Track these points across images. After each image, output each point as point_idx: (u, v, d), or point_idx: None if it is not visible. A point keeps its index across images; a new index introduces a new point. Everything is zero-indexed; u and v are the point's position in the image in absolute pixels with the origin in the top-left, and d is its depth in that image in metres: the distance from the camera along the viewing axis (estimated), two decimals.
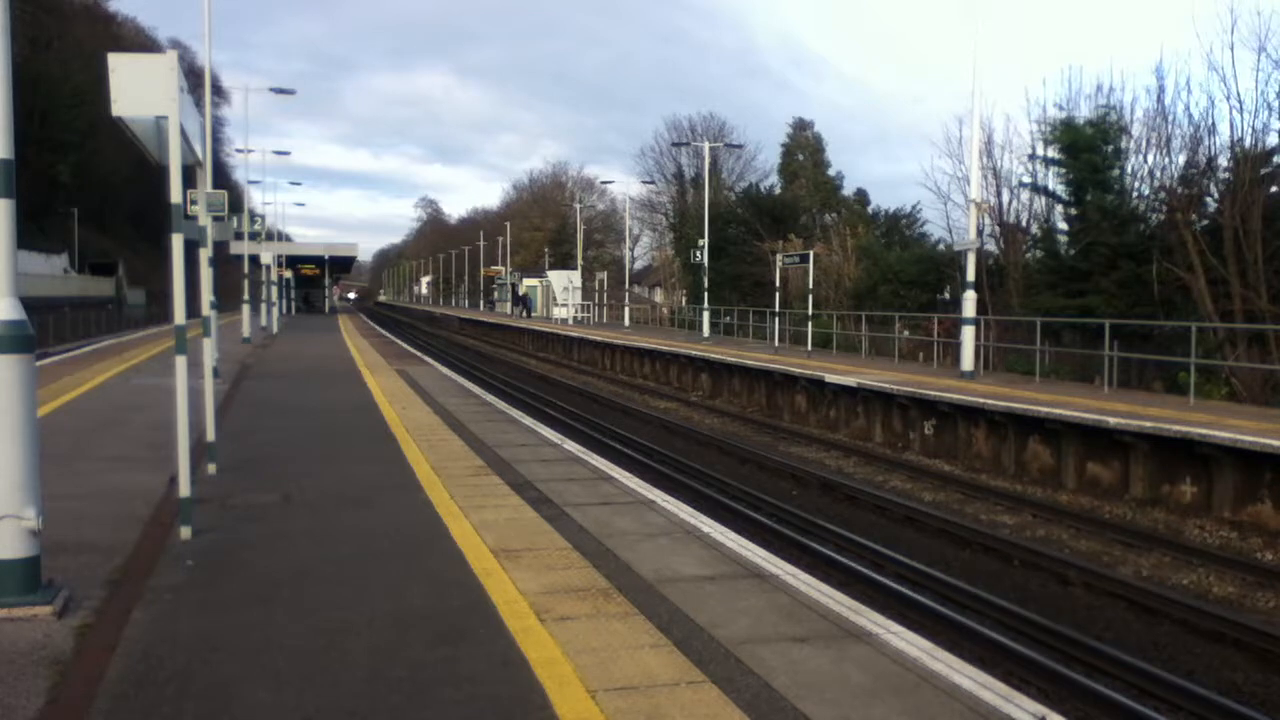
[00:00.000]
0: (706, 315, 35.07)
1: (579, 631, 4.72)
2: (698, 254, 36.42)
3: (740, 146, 60.89)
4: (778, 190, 55.16)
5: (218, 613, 4.96)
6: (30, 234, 49.68)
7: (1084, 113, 24.71)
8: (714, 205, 40.43)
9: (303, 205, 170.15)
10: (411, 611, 5.00)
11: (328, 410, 13.66)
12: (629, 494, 8.14)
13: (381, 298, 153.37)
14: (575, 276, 55.83)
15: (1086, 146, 23.84)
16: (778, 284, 29.48)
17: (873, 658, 4.47)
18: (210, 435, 8.71)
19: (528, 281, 61.01)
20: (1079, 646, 7.45)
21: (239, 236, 25.19)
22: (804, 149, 61.22)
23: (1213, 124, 22.20)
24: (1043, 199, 26.92)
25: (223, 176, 68.33)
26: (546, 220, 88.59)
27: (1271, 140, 20.87)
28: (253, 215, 32.94)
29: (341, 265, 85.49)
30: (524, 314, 57.84)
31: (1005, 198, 27.92)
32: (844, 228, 40.57)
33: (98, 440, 10.29)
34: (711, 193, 41.35)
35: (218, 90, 64.77)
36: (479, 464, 9.33)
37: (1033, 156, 26.63)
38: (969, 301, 18.84)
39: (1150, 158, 23.72)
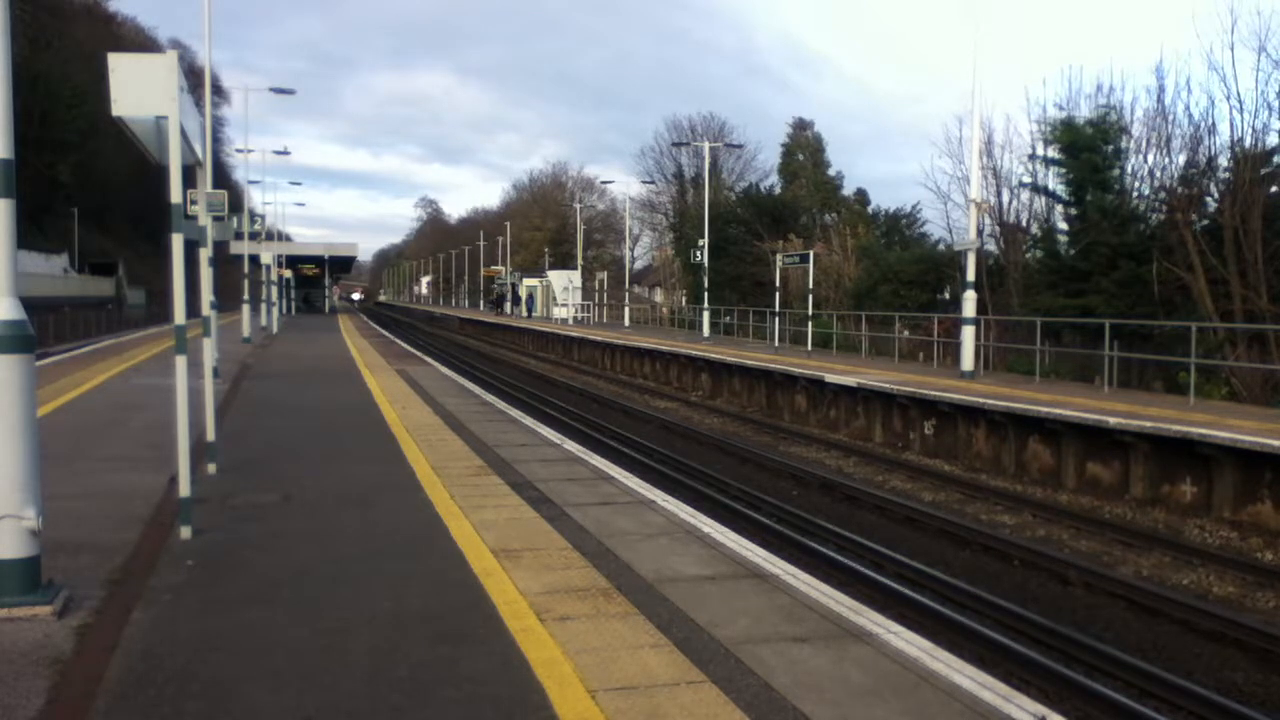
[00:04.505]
0: (706, 315, 35.07)
1: (579, 631, 4.72)
2: (698, 254, 36.43)
3: (740, 146, 60.96)
4: (778, 190, 55.21)
5: (218, 613, 4.96)
6: (30, 234, 49.71)
7: (1084, 113, 24.75)
8: (714, 205, 40.42)
9: (303, 205, 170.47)
10: (411, 611, 5.00)
11: (328, 410, 13.66)
12: (629, 494, 8.14)
13: (381, 298, 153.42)
14: (575, 276, 55.84)
15: (1086, 146, 23.85)
16: (778, 284, 29.48)
17: (873, 658, 4.47)
18: (210, 435, 8.71)
19: (528, 281, 60.99)
20: (1079, 646, 7.45)
21: (239, 236, 25.18)
22: (804, 149, 61.25)
23: (1213, 124, 22.30)
24: (1043, 199, 26.97)
25: (223, 176, 68.35)
26: (546, 220, 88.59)
27: (1271, 140, 20.91)
28: (253, 215, 32.94)
29: (341, 265, 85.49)
30: (526, 314, 57.80)
31: (1005, 198, 27.98)
32: (844, 228, 40.61)
33: (98, 440, 10.29)
34: (711, 193, 41.35)
35: (218, 90, 64.83)
36: (479, 464, 9.33)
37: (1033, 156, 26.68)
38: (969, 301, 18.83)
39: (1150, 158, 23.77)
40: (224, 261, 32.04)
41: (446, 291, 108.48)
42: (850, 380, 18.35)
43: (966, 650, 6.76)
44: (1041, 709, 4.00)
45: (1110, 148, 24.02)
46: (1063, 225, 26.24)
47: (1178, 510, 11.87)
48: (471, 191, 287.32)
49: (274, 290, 41.44)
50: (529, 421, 12.80)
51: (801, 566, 6.49)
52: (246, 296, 32.12)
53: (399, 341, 35.14)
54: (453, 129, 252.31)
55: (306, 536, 6.55)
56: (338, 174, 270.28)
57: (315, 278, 73.31)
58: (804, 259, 28.04)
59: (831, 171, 61.13)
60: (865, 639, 4.71)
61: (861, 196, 58.72)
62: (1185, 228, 20.75)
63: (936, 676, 4.25)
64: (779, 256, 30.44)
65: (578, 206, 68.27)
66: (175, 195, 6.28)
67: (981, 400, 15.00)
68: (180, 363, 6.37)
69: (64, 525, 6.19)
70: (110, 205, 73.46)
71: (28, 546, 4.80)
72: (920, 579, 9.22)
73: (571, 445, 10.85)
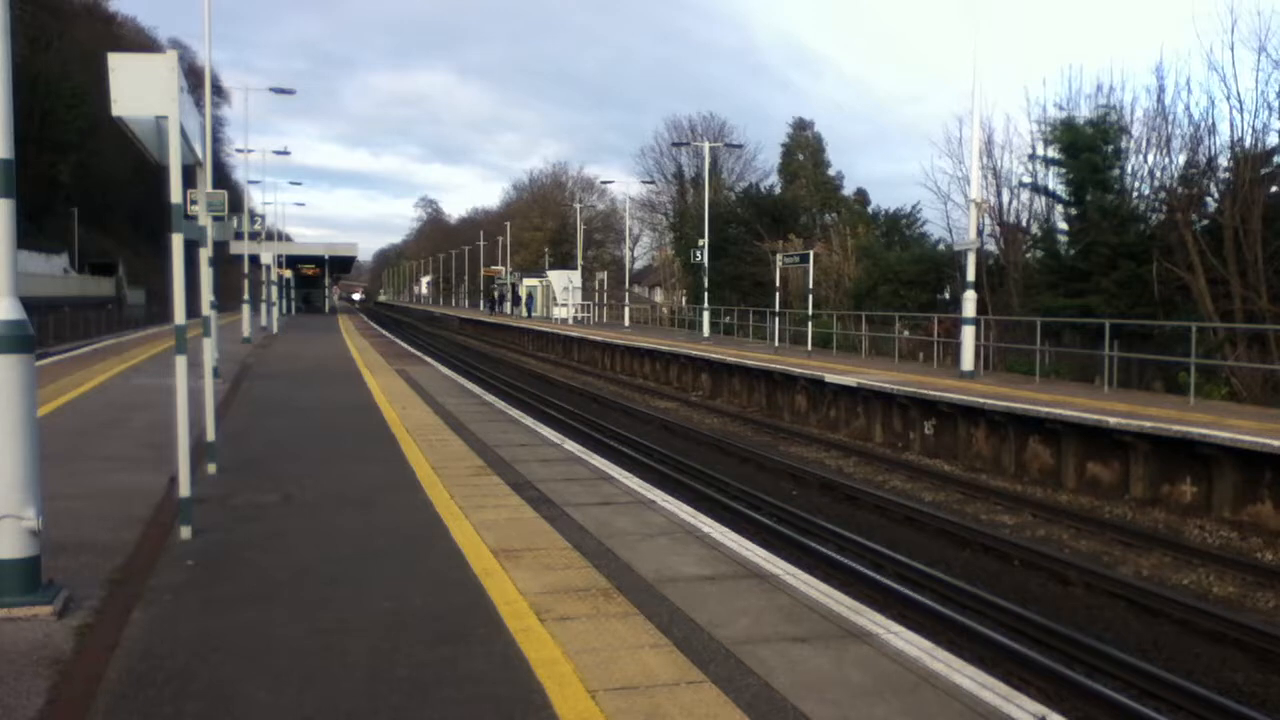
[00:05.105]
0: (706, 315, 35.08)
1: (579, 631, 4.71)
2: (698, 254, 36.44)
3: (740, 146, 60.98)
4: (778, 190, 55.20)
5: (218, 613, 4.96)
6: (30, 234, 49.69)
7: (1084, 113, 24.77)
8: (714, 205, 40.43)
9: (303, 205, 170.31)
10: (411, 611, 5.00)
11: (328, 410, 13.65)
12: (629, 494, 8.14)
13: (381, 297, 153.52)
14: (575, 276, 55.83)
15: (1086, 146, 23.86)
16: (778, 284, 29.48)
17: (873, 658, 4.47)
18: (210, 435, 8.71)
19: (528, 281, 60.99)
20: (1079, 646, 7.45)
21: (239, 236, 25.18)
22: (804, 149, 61.23)
23: (1213, 124, 22.29)
24: (1043, 199, 27.00)
25: (223, 176, 68.30)
26: (546, 220, 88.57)
27: (1271, 140, 20.93)
28: (253, 215, 32.94)
29: (341, 265, 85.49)
30: (525, 314, 57.78)
31: (1005, 198, 28.01)
32: (844, 228, 40.58)
33: (98, 440, 10.29)
34: (711, 193, 41.36)
35: (218, 90, 64.73)
36: (479, 464, 9.33)
37: (1033, 156, 26.70)
38: (969, 301, 18.83)
39: (1150, 158, 23.79)
40: (224, 261, 32.04)
41: (446, 291, 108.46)
42: (850, 380, 18.35)
43: (967, 650, 6.76)
44: (1041, 709, 4.00)
45: (1110, 148, 24.03)
46: (1063, 225, 26.28)
47: (1178, 510, 11.87)
48: (471, 191, 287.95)
49: (274, 290, 41.44)
50: (529, 421, 12.80)
51: (801, 566, 6.49)
52: (246, 296, 32.10)
53: (399, 341, 35.15)
54: (453, 129, 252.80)
55: (306, 536, 6.55)
56: (338, 174, 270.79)
57: (315, 278, 73.27)
58: (804, 259, 28.03)
59: (831, 171, 61.16)
60: (865, 639, 4.71)
61: (861, 196, 58.78)
62: (1185, 228, 20.76)
63: (937, 676, 4.25)
64: (779, 256, 30.44)
65: (578, 206, 68.26)
66: (175, 195, 6.28)
67: (981, 400, 15.00)
68: (180, 363, 6.37)
69: (64, 525, 6.20)
70: (110, 205, 73.48)
71: (28, 546, 4.80)
72: (920, 579, 9.21)
73: (571, 445, 10.85)
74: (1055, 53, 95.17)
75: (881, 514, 12.23)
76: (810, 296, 27.08)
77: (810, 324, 27.21)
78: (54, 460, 8.10)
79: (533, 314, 57.31)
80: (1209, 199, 22.14)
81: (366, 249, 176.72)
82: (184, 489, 6.41)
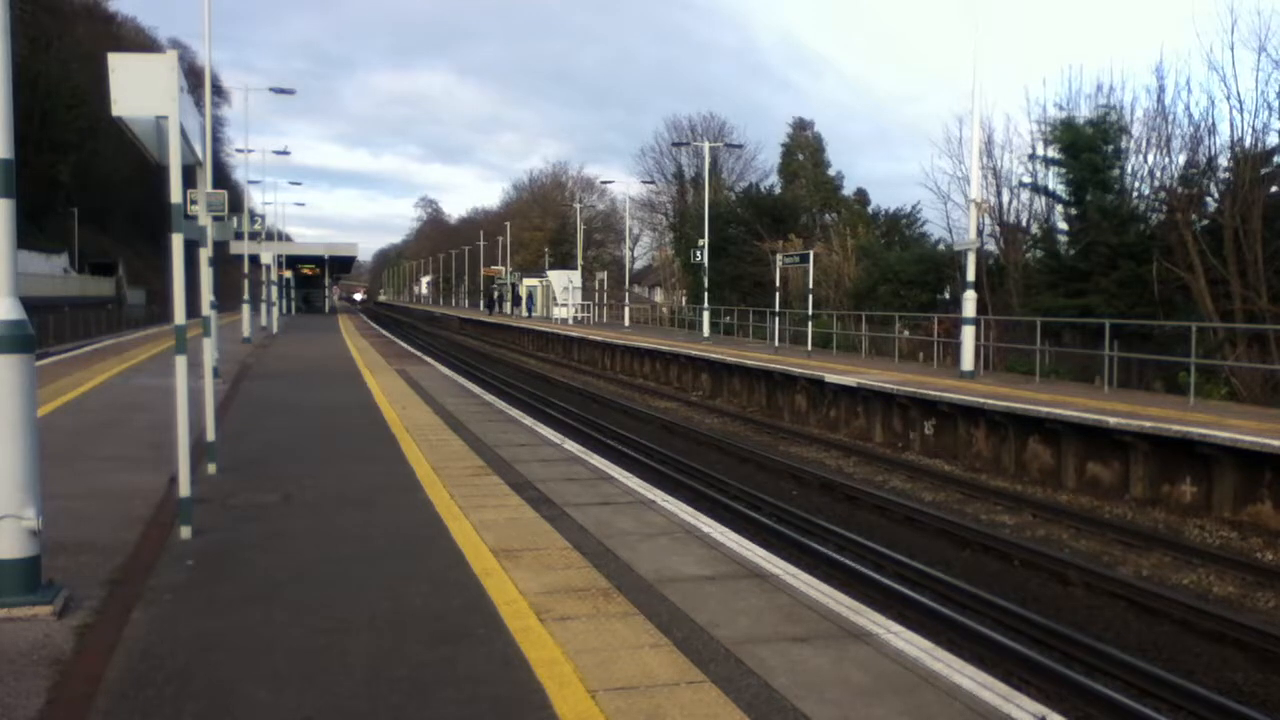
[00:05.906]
0: (706, 315, 35.07)
1: (579, 631, 4.71)
2: (698, 254, 36.44)
3: (740, 146, 60.96)
4: (778, 190, 55.20)
5: (218, 613, 4.96)
6: (30, 234, 49.74)
7: (1084, 113, 24.78)
8: (714, 205, 40.42)
9: (303, 205, 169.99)
10: (411, 611, 5.00)
11: (328, 410, 13.65)
12: (629, 494, 8.14)
13: (381, 297, 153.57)
14: (575, 276, 55.84)
15: (1086, 146, 23.86)
16: (778, 284, 29.48)
17: (873, 658, 4.47)
18: (210, 435, 8.71)
19: (528, 281, 60.97)
20: (1079, 646, 7.45)
21: (239, 236, 25.17)
22: (804, 149, 61.23)
23: (1213, 124, 22.28)
24: (1043, 199, 27.00)
25: (223, 176, 68.32)
26: (546, 220, 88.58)
27: (1271, 140, 20.93)
28: (253, 215, 32.93)
29: (341, 265, 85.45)
30: (525, 314, 57.75)
31: (1005, 198, 28.01)
32: (844, 228, 40.59)
33: (98, 440, 10.29)
34: (711, 193, 41.35)
35: (218, 90, 64.56)
36: (479, 464, 9.33)
37: (1033, 156, 26.70)
38: (969, 301, 18.83)
39: (1150, 158, 23.80)
40: (224, 261, 31.99)
41: (447, 291, 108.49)
42: (850, 380, 18.35)
43: (966, 650, 6.76)
44: (1041, 709, 3.99)
45: (1110, 148, 24.03)
46: (1063, 225, 26.29)
47: (1178, 510, 11.87)
48: (471, 191, 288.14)
49: (274, 290, 41.44)
50: (529, 421, 12.80)
51: (801, 566, 6.49)
52: (246, 296, 32.09)
53: (399, 341, 35.14)
54: (453, 129, 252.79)
55: (306, 536, 6.55)
56: (338, 174, 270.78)
57: (315, 278, 73.19)
58: (804, 259, 28.03)
59: (831, 171, 61.15)
60: (865, 639, 4.71)
61: (861, 196, 58.76)
62: (1185, 228, 20.76)
63: (937, 676, 4.25)
64: (779, 256, 30.44)
65: (578, 206, 68.24)
66: (175, 195, 6.28)
67: (981, 400, 14.99)
68: (180, 363, 6.37)
69: (64, 525, 6.19)
70: (110, 205, 73.50)
71: (28, 546, 4.80)
72: (920, 579, 9.21)
73: (571, 445, 10.84)
74: (1055, 53, 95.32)
75: (881, 514, 12.23)
76: (810, 296, 27.07)
77: (810, 324, 27.21)
78: (54, 460, 8.10)
79: (533, 314, 57.29)
80: (1209, 199, 22.14)
81: (366, 249, 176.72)
82: (184, 489, 6.41)
